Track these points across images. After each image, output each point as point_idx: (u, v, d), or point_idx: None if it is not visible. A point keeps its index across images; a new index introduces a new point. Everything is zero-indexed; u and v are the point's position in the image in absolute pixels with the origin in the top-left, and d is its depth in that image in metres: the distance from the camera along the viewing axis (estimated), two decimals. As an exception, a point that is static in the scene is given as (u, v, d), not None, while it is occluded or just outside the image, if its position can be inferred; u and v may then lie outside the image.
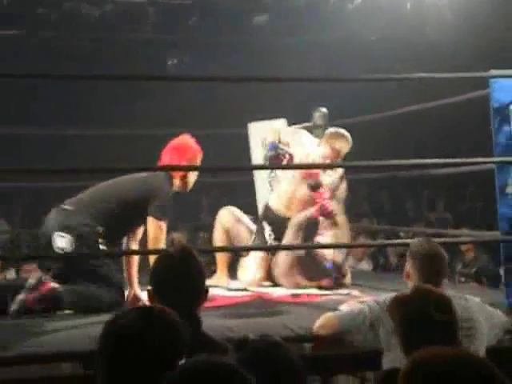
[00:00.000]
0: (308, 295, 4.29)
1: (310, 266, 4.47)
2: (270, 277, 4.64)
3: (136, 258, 3.87)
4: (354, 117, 5.64)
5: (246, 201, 5.91)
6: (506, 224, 3.71)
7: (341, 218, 4.61)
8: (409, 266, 2.92)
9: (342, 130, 4.63)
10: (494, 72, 3.77)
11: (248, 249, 4.78)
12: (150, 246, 3.77)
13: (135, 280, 3.84)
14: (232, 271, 4.76)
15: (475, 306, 2.89)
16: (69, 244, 3.64)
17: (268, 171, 5.39)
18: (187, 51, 9.07)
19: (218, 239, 4.74)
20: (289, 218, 4.62)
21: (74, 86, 6.87)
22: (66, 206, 3.78)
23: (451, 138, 8.04)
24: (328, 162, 4.56)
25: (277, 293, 4.40)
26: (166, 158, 4.00)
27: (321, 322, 3.14)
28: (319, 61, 7.50)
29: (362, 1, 7.87)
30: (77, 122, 6.77)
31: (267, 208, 4.80)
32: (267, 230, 4.71)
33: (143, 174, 3.93)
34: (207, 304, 2.36)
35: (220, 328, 3.11)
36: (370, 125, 6.20)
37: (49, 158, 6.31)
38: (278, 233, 4.65)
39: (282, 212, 4.70)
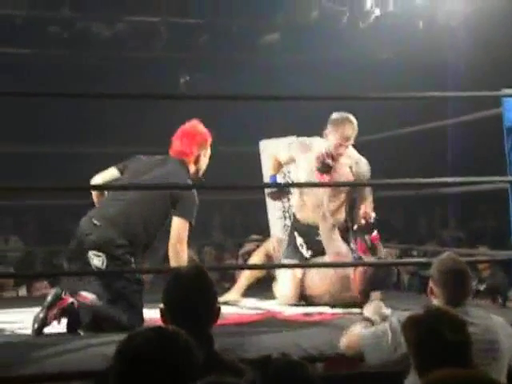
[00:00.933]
0: (320, 314, 4.27)
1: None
2: (301, 296, 4.59)
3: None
4: (367, 135, 5.64)
5: (258, 219, 5.92)
6: (519, 242, 3.70)
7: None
8: (433, 283, 2.86)
9: (346, 114, 4.51)
10: (505, 91, 3.77)
11: (268, 267, 4.77)
12: (174, 244, 3.71)
13: None
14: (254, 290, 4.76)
15: (499, 327, 2.83)
16: (101, 263, 3.65)
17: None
18: (199, 69, 9.11)
19: (257, 260, 4.73)
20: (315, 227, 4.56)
21: (86, 104, 6.91)
22: (96, 221, 3.74)
23: (464, 157, 8.03)
24: (340, 150, 4.44)
25: (288, 311, 4.39)
26: (177, 142, 3.99)
27: (347, 342, 3.10)
28: (330, 79, 7.51)
29: (374, 19, 7.89)
30: (87, 139, 6.81)
31: (295, 220, 4.76)
32: (299, 241, 4.66)
33: (164, 170, 3.87)
34: (219, 322, 2.35)
35: (233, 347, 3.10)
36: (383, 142, 6.19)
37: (60, 175, 6.35)
38: (311, 242, 4.62)
39: (311, 219, 4.64)
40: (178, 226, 3.72)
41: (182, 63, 9.02)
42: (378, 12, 7.86)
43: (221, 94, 5.40)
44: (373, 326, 3.12)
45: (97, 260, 3.66)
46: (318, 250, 4.55)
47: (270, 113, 7.21)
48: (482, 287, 5.62)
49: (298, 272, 4.54)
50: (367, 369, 3.01)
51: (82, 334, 3.53)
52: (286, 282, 4.54)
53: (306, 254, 4.63)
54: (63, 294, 3.54)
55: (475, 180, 4.19)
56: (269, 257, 4.72)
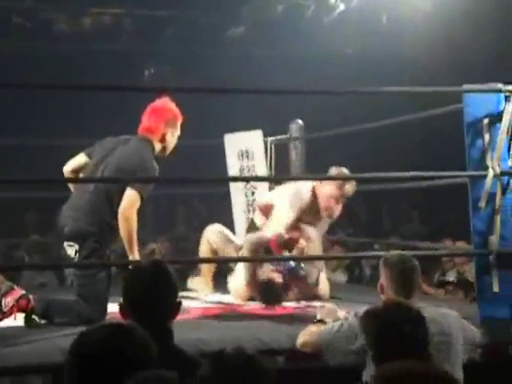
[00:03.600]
0: (282, 307, 4.29)
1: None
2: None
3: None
4: (328, 130, 5.66)
5: (222, 212, 5.92)
6: (479, 237, 3.74)
7: (314, 233, 4.59)
8: (382, 279, 2.92)
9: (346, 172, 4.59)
10: (466, 86, 3.80)
11: (226, 260, 4.78)
12: (122, 212, 3.67)
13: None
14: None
15: (452, 321, 2.88)
16: (74, 253, 3.69)
17: (243, 183, 5.41)
18: (164, 62, 9.07)
19: (204, 256, 4.73)
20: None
21: (49, 96, 6.84)
22: (68, 213, 3.78)
23: (426, 152, 8.09)
24: (333, 200, 4.55)
25: (251, 305, 4.40)
26: (145, 118, 3.95)
27: (304, 339, 3.12)
28: (295, 72, 7.53)
29: (338, 14, 7.92)
30: (48, 131, 6.74)
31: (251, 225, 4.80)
32: None
33: (125, 150, 3.83)
34: (180, 316, 2.35)
35: (193, 341, 3.10)
36: (345, 138, 6.23)
37: (26, 169, 6.29)
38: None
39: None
40: (129, 197, 3.69)
41: (147, 56, 8.96)
42: (342, 6, 7.90)
43: (185, 87, 5.38)
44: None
45: (70, 250, 3.71)
46: None
47: (236, 106, 7.21)
48: (451, 278, 5.64)
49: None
50: (327, 362, 3.03)
51: (38, 322, 3.52)
52: (241, 277, 4.55)
53: None
54: (15, 287, 3.55)
55: (435, 175, 4.22)
56: (214, 250, 4.72)
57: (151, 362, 1.64)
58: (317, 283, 4.55)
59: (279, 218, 4.56)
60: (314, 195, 4.60)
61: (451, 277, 5.57)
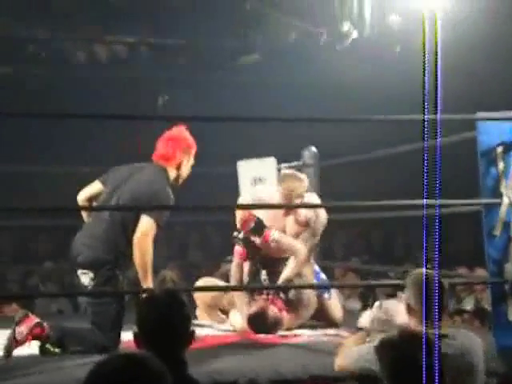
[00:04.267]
0: (295, 335, 4.26)
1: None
2: None
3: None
4: (341, 157, 5.66)
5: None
6: (494, 266, 3.72)
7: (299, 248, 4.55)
8: (409, 299, 2.81)
9: (294, 172, 4.65)
10: (480, 114, 3.80)
11: (237, 289, 4.75)
12: (138, 238, 3.67)
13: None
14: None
15: (477, 348, 2.78)
16: (89, 281, 3.70)
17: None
18: (177, 89, 9.12)
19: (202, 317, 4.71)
20: (282, 258, 4.57)
21: (66, 124, 6.89)
22: (84, 241, 3.78)
23: (441, 179, 8.05)
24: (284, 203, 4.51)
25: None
26: (161, 146, 3.96)
27: (340, 364, 3.04)
28: (307, 100, 7.55)
29: (350, 42, 7.95)
30: (64, 159, 6.78)
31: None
32: (263, 274, 4.62)
33: (140, 178, 3.84)
34: (195, 345, 2.34)
35: (207, 371, 3.09)
36: (360, 165, 6.23)
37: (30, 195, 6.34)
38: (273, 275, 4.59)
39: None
40: (145, 225, 3.69)
41: (161, 83, 9.03)
42: (355, 34, 7.93)
43: (198, 116, 5.40)
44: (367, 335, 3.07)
45: (84, 278, 3.71)
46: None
47: (249, 133, 7.23)
48: (469, 306, 5.60)
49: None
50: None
51: (52, 350, 3.51)
52: (240, 308, 4.50)
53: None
54: (30, 314, 3.55)
55: (450, 202, 4.21)
56: (209, 307, 4.70)
57: None
58: (308, 303, 4.47)
59: None
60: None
61: (468, 304, 5.53)
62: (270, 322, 4.25)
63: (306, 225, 4.55)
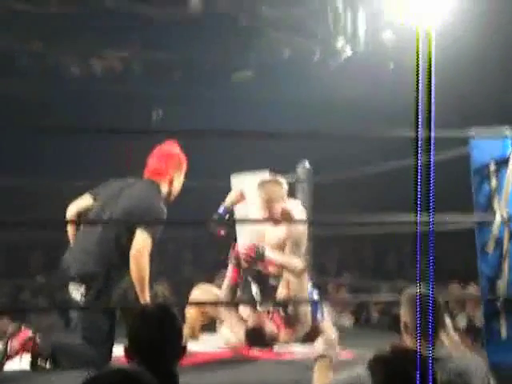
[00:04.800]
0: (290, 352, 4.25)
1: None
2: None
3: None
4: (335, 173, 5.67)
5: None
6: (487, 282, 3.71)
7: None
8: (404, 316, 2.78)
9: (273, 177, 4.60)
10: (473, 131, 3.81)
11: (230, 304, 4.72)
12: (134, 254, 3.65)
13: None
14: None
15: (474, 366, 2.72)
16: (80, 295, 3.67)
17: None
18: (171, 104, 9.14)
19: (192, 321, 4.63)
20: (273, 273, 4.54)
21: (59, 139, 6.89)
22: (75, 255, 3.76)
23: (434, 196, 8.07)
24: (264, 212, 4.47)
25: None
26: (152, 161, 3.96)
27: None
28: (301, 116, 7.57)
29: (344, 59, 7.99)
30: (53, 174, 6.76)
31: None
32: (254, 288, 4.59)
33: (132, 193, 3.83)
34: (186, 360, 2.33)
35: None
36: (353, 181, 6.23)
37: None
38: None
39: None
40: (140, 239, 3.67)
41: (155, 98, 9.04)
42: (349, 51, 7.97)
43: (192, 130, 5.41)
44: (330, 362, 3.05)
45: (76, 292, 3.68)
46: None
47: (242, 148, 7.24)
48: (462, 324, 5.59)
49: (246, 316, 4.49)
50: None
51: (43, 366, 3.49)
52: (232, 325, 4.47)
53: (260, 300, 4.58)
54: (22, 328, 3.53)
55: (442, 220, 4.21)
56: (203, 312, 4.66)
57: None
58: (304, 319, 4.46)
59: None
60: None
61: (461, 322, 5.53)
62: (267, 338, 4.24)
63: (286, 218, 4.48)
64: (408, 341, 2.78)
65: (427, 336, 2.57)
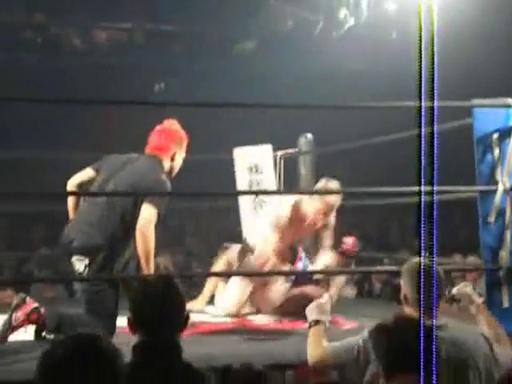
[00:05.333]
0: (291, 321, 4.27)
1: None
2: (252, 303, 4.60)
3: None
4: (340, 143, 5.66)
5: (232, 226, 5.92)
6: (489, 253, 3.72)
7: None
8: (405, 289, 2.78)
9: (334, 184, 4.59)
10: (476, 101, 3.79)
11: (238, 274, 4.76)
12: (140, 228, 3.66)
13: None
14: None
15: (472, 338, 2.71)
16: (84, 268, 3.68)
17: (252, 197, 5.40)
18: (173, 76, 9.10)
19: (218, 269, 4.72)
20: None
21: (59, 110, 6.87)
22: (79, 227, 3.77)
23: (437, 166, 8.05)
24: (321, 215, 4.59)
25: (259, 319, 4.39)
26: (154, 138, 3.98)
27: (316, 357, 2.95)
28: (303, 88, 7.54)
29: (347, 29, 7.94)
30: (57, 145, 6.77)
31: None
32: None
33: (135, 167, 3.85)
34: (189, 331, 2.35)
35: (201, 356, 3.08)
36: (354, 152, 6.22)
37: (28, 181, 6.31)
38: None
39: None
40: (147, 213, 3.69)
41: (157, 70, 9.01)
42: (351, 22, 7.92)
43: (196, 102, 5.39)
44: (324, 325, 3.05)
45: (79, 264, 3.69)
46: None
47: (245, 120, 7.22)
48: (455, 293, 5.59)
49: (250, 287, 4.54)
50: (336, 377, 3.00)
51: (48, 337, 3.52)
52: (234, 294, 4.53)
53: None
54: (27, 299, 3.54)
55: (445, 189, 4.20)
56: (230, 266, 4.72)
57: (120, 375, 1.64)
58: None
59: (265, 244, 4.60)
60: (295, 212, 4.57)
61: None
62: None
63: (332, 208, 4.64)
64: (408, 311, 2.78)
65: (428, 307, 2.58)
